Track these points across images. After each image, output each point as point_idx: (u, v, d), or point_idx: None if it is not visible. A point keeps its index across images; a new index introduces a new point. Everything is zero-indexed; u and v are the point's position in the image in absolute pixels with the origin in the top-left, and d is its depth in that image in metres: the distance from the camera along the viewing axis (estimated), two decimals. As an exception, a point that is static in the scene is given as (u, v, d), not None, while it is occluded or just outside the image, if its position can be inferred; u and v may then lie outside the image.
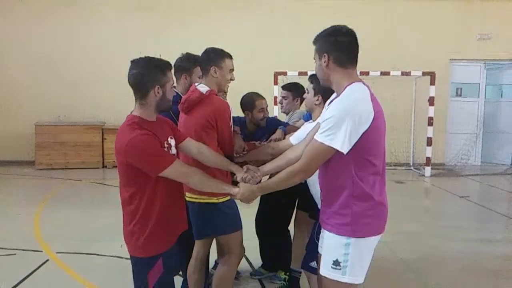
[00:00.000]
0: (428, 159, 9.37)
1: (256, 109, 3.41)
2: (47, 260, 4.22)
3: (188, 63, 3.16)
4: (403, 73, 9.32)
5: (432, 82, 9.16)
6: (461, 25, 10.35)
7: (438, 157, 10.13)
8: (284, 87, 3.95)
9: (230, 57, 2.84)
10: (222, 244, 2.90)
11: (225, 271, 2.84)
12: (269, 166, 2.54)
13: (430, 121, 9.27)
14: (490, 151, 10.74)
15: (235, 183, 2.50)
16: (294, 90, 3.86)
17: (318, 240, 2.38)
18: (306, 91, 2.79)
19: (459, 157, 10.29)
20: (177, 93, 2.98)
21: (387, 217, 2.09)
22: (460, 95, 10.81)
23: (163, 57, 2.29)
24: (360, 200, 1.97)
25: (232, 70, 2.84)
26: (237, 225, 2.82)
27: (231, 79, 2.88)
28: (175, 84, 3.12)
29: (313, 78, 2.66)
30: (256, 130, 3.47)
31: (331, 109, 1.98)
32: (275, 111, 7.63)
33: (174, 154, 2.30)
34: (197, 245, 2.94)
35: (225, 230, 2.76)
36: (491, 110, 10.82)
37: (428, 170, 9.32)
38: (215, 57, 2.76)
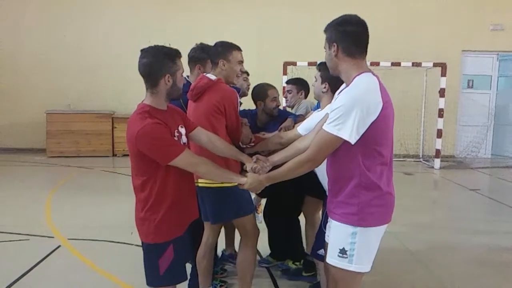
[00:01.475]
0: (437, 151, 9.32)
1: (269, 98, 3.45)
2: (59, 246, 4.30)
3: (202, 54, 3.16)
4: (414, 64, 9.24)
5: (443, 74, 9.08)
6: (473, 16, 10.20)
7: (448, 149, 10.08)
8: (288, 82, 4.18)
9: (238, 49, 2.88)
10: (238, 227, 2.97)
11: (247, 253, 2.93)
12: (278, 156, 2.56)
13: (441, 113, 9.20)
14: (501, 143, 10.65)
15: (244, 173, 2.53)
16: (298, 84, 4.05)
17: (325, 229, 2.40)
18: (314, 79, 2.83)
19: (469, 149, 10.22)
20: (188, 81, 3.01)
21: (394, 207, 2.09)
22: (472, 87, 10.70)
23: (172, 46, 2.29)
24: (367, 190, 1.98)
25: (241, 62, 2.89)
26: (251, 207, 2.92)
27: (241, 71, 2.92)
28: (188, 74, 3.16)
29: (321, 66, 2.70)
30: (268, 122, 3.50)
31: (340, 99, 1.98)
32: (284, 102, 7.61)
33: (184, 143, 2.32)
34: (207, 231, 3.01)
35: (241, 212, 2.84)
36: (503, 102, 10.70)
37: (437, 162, 9.27)
38: (222, 50, 2.83)
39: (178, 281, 2.32)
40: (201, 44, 3.24)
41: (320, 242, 2.58)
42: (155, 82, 2.19)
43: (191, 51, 3.22)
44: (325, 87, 2.71)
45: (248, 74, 3.92)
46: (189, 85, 2.90)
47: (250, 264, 2.94)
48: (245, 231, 2.91)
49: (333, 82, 2.53)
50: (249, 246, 2.92)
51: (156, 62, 2.17)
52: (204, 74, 2.85)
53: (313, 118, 2.71)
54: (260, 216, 4.38)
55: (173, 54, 2.22)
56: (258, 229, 2.99)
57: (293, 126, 3.12)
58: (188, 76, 3.21)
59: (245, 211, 2.86)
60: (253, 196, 4.36)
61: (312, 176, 2.74)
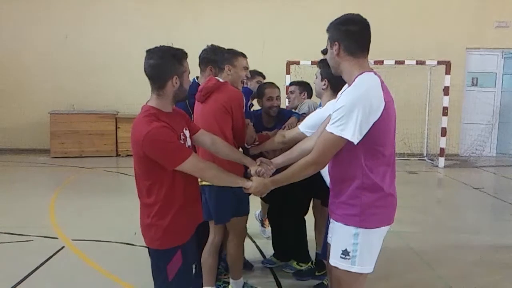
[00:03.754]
0: (442, 149, 9.27)
1: (265, 97, 3.51)
2: (63, 247, 4.31)
3: (214, 55, 3.16)
4: (418, 62, 9.19)
5: (448, 72, 9.02)
6: (478, 13, 10.12)
7: (453, 148, 10.01)
8: (291, 83, 4.27)
9: (244, 56, 3.01)
10: (231, 225, 3.03)
11: (234, 249, 3.11)
12: (282, 158, 2.56)
13: (445, 111, 9.15)
14: (506, 142, 10.55)
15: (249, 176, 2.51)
16: (301, 85, 4.10)
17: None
18: (315, 76, 2.85)
19: (473, 148, 10.14)
20: (197, 83, 3.07)
21: (396, 207, 2.08)
22: (476, 85, 10.62)
23: (176, 46, 2.26)
24: (369, 191, 1.97)
25: (246, 68, 3.01)
26: (248, 208, 3.05)
27: (247, 76, 3.07)
28: (198, 75, 3.20)
29: (321, 63, 2.74)
30: (274, 124, 3.51)
31: (342, 99, 1.97)
32: (287, 102, 7.58)
33: (189, 146, 2.28)
34: (213, 231, 3.04)
35: (240, 212, 2.97)
36: (507, 100, 10.60)
37: (442, 161, 9.22)
38: (228, 56, 2.97)
39: (186, 286, 2.28)
40: (212, 45, 3.26)
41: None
42: (162, 84, 2.13)
43: (202, 52, 3.25)
44: (324, 84, 2.75)
45: (264, 77, 3.97)
46: (197, 87, 2.94)
47: (238, 258, 3.16)
48: (235, 230, 3.05)
49: (333, 80, 2.58)
50: (236, 243, 3.09)
51: (164, 63, 2.11)
52: (212, 76, 2.95)
53: (314, 115, 2.73)
54: (267, 231, 4.37)
55: (180, 55, 2.17)
56: (246, 229, 3.17)
57: (296, 124, 3.13)
58: (197, 77, 3.23)
59: (244, 211, 3.00)
60: (258, 210, 4.39)
61: (319, 180, 2.74)
